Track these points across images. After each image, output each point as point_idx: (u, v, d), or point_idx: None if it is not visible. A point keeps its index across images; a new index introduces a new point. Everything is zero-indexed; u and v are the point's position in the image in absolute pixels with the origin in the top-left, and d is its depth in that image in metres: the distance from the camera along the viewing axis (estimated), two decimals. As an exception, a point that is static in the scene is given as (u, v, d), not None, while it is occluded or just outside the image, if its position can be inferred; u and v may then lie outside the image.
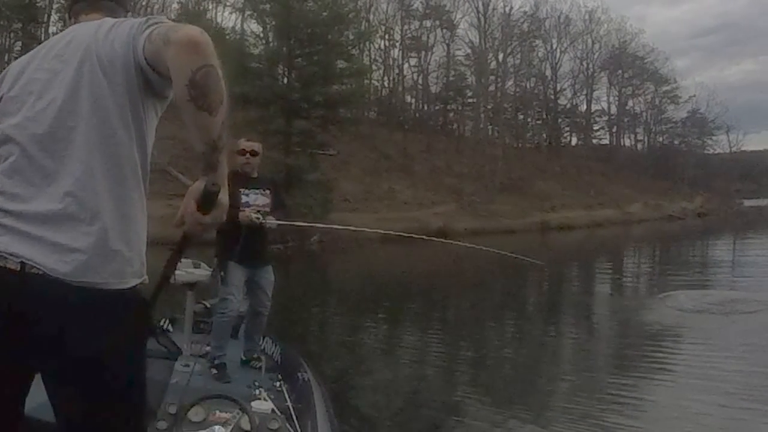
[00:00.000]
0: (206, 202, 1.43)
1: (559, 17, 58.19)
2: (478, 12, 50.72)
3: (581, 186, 49.64)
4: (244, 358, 4.51)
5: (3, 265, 1.44)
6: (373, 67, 47.14)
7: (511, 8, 52.57)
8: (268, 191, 4.57)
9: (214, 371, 4.15)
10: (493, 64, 51.71)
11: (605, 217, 42.38)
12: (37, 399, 2.83)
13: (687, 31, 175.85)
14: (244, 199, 4.39)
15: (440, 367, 7.17)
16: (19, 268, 1.43)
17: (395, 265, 20.57)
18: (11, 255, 1.44)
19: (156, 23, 1.52)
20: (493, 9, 50.98)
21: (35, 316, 1.44)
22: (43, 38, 36.28)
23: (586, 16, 60.31)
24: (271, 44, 30.54)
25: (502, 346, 8.58)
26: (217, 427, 2.69)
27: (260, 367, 4.25)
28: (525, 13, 54.92)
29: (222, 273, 4.33)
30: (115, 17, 1.71)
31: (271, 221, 4.38)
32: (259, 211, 4.35)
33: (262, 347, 4.77)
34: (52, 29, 37.54)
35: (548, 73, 60.27)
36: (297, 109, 27.72)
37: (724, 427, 4.94)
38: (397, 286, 14.59)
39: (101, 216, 1.48)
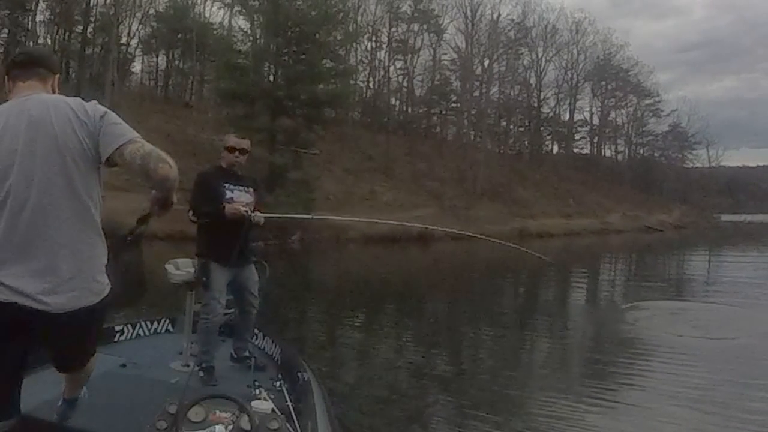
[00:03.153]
0: (163, 206, 2.29)
1: (545, 26, 58.70)
2: (465, 17, 51.05)
3: (561, 194, 50.01)
4: (234, 356, 4.52)
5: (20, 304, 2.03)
6: (359, 68, 47.17)
7: (499, 15, 52.98)
8: (251, 189, 4.51)
9: (201, 374, 4.12)
10: (479, 70, 51.94)
11: (583, 227, 42.78)
12: (37, 399, 2.83)
13: (671, 46, 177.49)
14: (228, 194, 4.32)
15: (417, 367, 7.24)
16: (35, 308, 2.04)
17: (376, 266, 20.61)
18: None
19: (121, 130, 2.13)
20: (481, 15, 51.34)
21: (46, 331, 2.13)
22: (30, 26, 35.89)
23: (573, 27, 60.86)
24: (259, 41, 30.40)
25: (476, 349, 8.78)
26: (217, 427, 2.68)
27: (251, 366, 4.25)
28: (512, 20, 55.27)
29: (205, 278, 4.23)
30: (48, 83, 2.29)
31: (258, 216, 4.32)
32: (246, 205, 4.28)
33: (262, 347, 4.77)
34: (39, 17, 37.09)
35: (533, 81, 60.72)
36: (282, 107, 27.64)
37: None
38: (378, 286, 14.64)
39: (82, 266, 2.12)
